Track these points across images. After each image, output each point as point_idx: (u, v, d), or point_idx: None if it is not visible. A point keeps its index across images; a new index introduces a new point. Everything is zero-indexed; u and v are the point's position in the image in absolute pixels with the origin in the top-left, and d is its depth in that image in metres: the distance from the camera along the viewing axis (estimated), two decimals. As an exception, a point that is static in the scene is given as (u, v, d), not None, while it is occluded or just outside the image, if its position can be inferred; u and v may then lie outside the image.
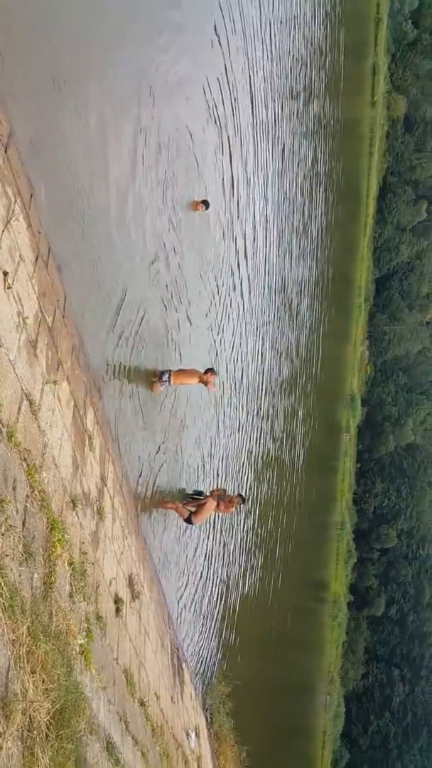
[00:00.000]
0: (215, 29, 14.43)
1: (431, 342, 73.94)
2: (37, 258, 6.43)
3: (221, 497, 12.16)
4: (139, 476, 10.51)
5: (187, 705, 12.68)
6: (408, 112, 63.53)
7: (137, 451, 10.38)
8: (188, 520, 11.83)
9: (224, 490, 12.80)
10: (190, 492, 12.98)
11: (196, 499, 12.86)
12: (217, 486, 14.25)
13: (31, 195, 6.52)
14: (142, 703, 8.63)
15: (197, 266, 13.91)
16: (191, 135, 12.89)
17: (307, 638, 35.93)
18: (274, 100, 20.98)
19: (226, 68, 15.32)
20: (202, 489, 13.45)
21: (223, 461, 16.58)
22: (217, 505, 12.19)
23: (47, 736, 4.73)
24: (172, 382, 11.05)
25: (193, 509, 11.97)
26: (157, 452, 11.35)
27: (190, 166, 13.08)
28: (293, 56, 23.79)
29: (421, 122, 64.95)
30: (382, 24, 52.80)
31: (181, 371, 11.35)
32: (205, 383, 11.68)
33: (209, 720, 14.95)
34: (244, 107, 17.10)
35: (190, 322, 13.37)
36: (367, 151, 51.81)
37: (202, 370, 11.82)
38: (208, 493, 12.95)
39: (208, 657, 15.06)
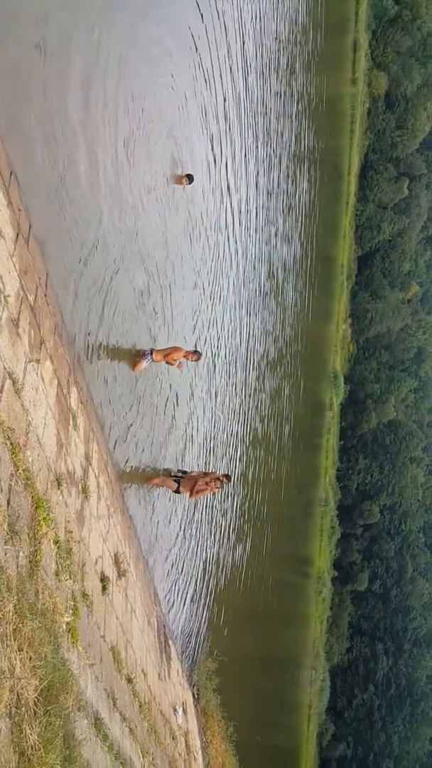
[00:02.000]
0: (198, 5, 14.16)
1: (412, 319, 74.27)
2: (17, 235, 6.32)
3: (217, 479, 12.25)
4: (124, 455, 10.49)
5: (174, 681, 12.83)
6: (389, 89, 63.00)
7: (122, 429, 10.35)
8: (177, 491, 11.91)
9: (228, 477, 12.80)
10: (176, 471, 13.01)
11: (182, 478, 12.91)
12: (210, 470, 14.28)
13: (11, 173, 6.39)
14: (129, 680, 8.70)
15: (180, 247, 13.78)
16: (180, 107, 12.70)
17: (292, 613, 36.45)
18: (256, 79, 20.71)
19: (207, 47, 15.06)
20: (187, 469, 13.48)
21: (208, 439, 16.61)
22: (205, 482, 12.29)
23: (35, 712, 4.75)
24: (154, 358, 10.99)
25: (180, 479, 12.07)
26: (141, 430, 11.33)
27: (175, 141, 12.91)
28: (274, 34, 23.46)
29: (402, 99, 64.46)
30: (363, 0, 52.11)
31: (162, 349, 11.29)
32: (185, 358, 11.63)
33: (196, 696, 15.14)
34: (224, 86, 16.86)
35: (174, 300, 13.29)
36: (348, 129, 51.40)
37: (185, 347, 11.78)
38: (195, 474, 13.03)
39: (195, 633, 15.21)
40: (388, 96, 63.94)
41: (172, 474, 12.79)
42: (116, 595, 8.67)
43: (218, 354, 17.73)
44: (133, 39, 10.55)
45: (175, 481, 11.95)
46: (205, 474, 12.45)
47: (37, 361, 6.41)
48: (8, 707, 4.38)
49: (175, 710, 12.19)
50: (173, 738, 11.56)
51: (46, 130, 7.59)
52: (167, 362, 11.62)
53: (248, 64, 19.76)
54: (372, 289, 67.19)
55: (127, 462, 10.63)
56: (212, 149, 16.13)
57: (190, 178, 13.27)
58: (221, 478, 13.13)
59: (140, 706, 9.15)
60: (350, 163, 53.68)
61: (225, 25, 16.62)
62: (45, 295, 7.03)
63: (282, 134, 25.33)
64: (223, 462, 18.09)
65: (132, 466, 10.90)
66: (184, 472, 13.02)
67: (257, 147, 21.30)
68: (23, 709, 4.57)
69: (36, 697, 4.74)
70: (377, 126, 63.39)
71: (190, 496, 13.00)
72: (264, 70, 21.97)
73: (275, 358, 25.85)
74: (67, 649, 5.99)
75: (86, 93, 8.74)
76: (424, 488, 73.69)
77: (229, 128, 17.62)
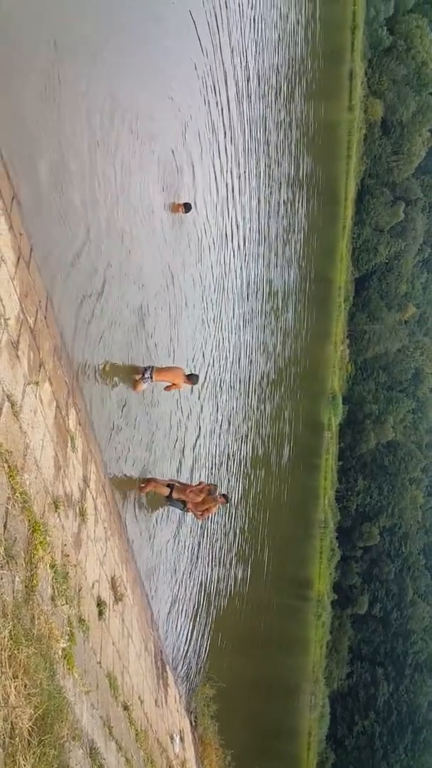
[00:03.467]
0: (198, 35, 14.44)
1: (410, 341, 74.55)
2: (18, 259, 6.36)
3: (211, 492, 12.15)
4: (123, 476, 10.43)
5: (172, 708, 12.61)
6: (385, 115, 64.04)
7: (120, 450, 10.31)
8: (169, 497, 11.76)
9: (215, 486, 12.72)
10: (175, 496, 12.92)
11: (178, 500, 12.83)
12: (207, 481, 14.16)
13: (13, 197, 6.45)
14: (125, 707, 8.56)
15: (181, 271, 13.88)
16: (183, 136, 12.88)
17: (291, 638, 35.99)
18: (256, 108, 21.05)
19: (207, 75, 15.33)
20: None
21: (209, 460, 16.55)
22: (201, 501, 12.25)
23: (29, 742, 4.65)
24: (154, 378, 10.97)
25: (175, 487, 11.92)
26: (140, 450, 11.28)
27: (175, 168, 13.06)
28: (274, 64, 23.93)
29: (398, 125, 65.49)
30: (359, 30, 53.22)
31: (164, 369, 11.28)
32: (180, 386, 11.73)
33: (194, 723, 14.87)
34: (223, 114, 17.11)
35: (174, 322, 13.34)
36: (345, 154, 52.18)
37: (185, 370, 11.79)
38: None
39: (193, 659, 14.99)
40: (384, 122, 64.96)
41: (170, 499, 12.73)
42: (113, 620, 8.56)
43: (218, 374, 17.75)
44: (133, 70, 10.73)
45: (168, 486, 11.80)
46: (208, 491, 12.36)
47: (36, 383, 6.40)
48: (2, 737, 4.30)
49: (172, 738, 11.97)
50: None
51: (51, 156, 7.69)
52: (166, 389, 11.69)
53: (249, 92, 20.11)
54: (369, 310, 67.55)
55: (125, 483, 10.57)
56: (213, 174, 16.32)
57: (187, 206, 13.35)
58: (219, 499, 13.09)
59: (137, 735, 8.98)
60: (347, 188, 54.36)
61: (223, 54, 16.92)
62: (45, 318, 7.05)
63: (281, 160, 25.66)
64: (224, 483, 18.01)
65: (130, 488, 10.84)
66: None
67: (257, 172, 21.56)
68: (17, 739, 4.48)
69: (30, 726, 4.65)
70: (374, 151, 64.30)
71: (198, 515, 12.90)
72: (264, 98, 22.34)
73: (275, 379, 25.88)
74: (63, 676, 5.89)
75: (90, 121, 8.86)
76: (424, 510, 73.30)
77: (229, 155, 17.85)
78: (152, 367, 10.94)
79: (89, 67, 8.95)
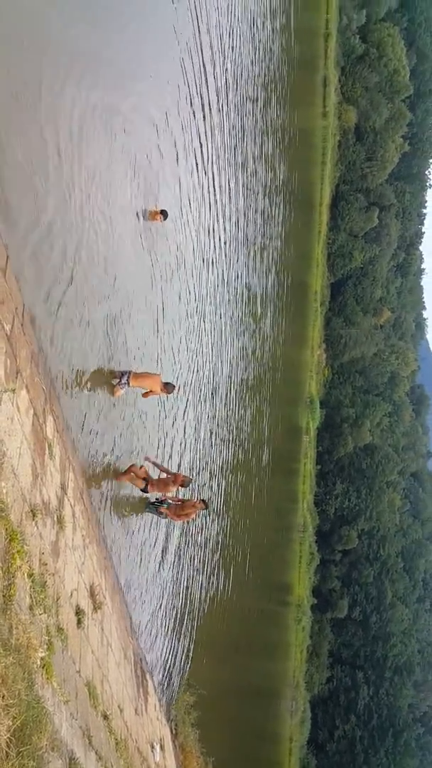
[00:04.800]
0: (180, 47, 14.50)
1: (385, 344, 75.43)
2: (-9, 264, 6.31)
3: (184, 484, 12.11)
4: (101, 482, 10.37)
5: (152, 716, 12.52)
6: (358, 122, 64.88)
7: (99, 456, 10.24)
8: (145, 489, 11.72)
9: (190, 479, 12.73)
10: (153, 500, 12.89)
11: (157, 505, 12.81)
12: (182, 473, 14.10)
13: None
14: (105, 716, 8.48)
15: (160, 278, 13.86)
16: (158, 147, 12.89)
17: (271, 643, 35.99)
18: (232, 114, 21.16)
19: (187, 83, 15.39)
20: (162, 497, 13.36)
21: (188, 465, 16.51)
22: (181, 507, 12.27)
23: (7, 754, 4.59)
24: (131, 384, 10.94)
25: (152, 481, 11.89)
26: (119, 456, 11.22)
27: (151, 175, 13.06)
28: (250, 70, 24.10)
29: (371, 132, 66.39)
30: (332, 39, 53.92)
31: (140, 374, 11.25)
32: (157, 393, 11.73)
33: (174, 731, 14.78)
34: (200, 123, 17.19)
35: (154, 328, 13.32)
36: (320, 160, 52.69)
37: (163, 377, 11.77)
38: (170, 502, 12.96)
39: (173, 666, 14.91)
40: (357, 129, 65.80)
41: (149, 505, 12.69)
42: (92, 628, 8.48)
43: (198, 380, 17.75)
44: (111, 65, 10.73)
45: (144, 480, 11.75)
46: (182, 482, 12.33)
47: (13, 390, 6.34)
48: (-20, 749, 4.23)
49: (152, 747, 11.88)
50: (151, 776, 11.24)
51: (24, 164, 7.64)
52: (143, 396, 11.69)
53: (227, 100, 20.24)
54: (345, 315, 68.19)
55: (104, 490, 10.50)
56: (190, 180, 16.36)
57: (164, 214, 13.32)
58: (197, 505, 13.10)
59: (116, 744, 8.90)
60: (322, 194, 54.89)
61: (204, 59, 17.02)
62: (21, 325, 6.99)
63: (257, 166, 25.82)
64: (205, 488, 18.00)
65: (109, 494, 10.77)
66: (162, 502, 12.90)
67: (233, 177, 21.66)
68: (-5, 750, 4.42)
69: (9, 737, 4.59)
70: (348, 158, 65.07)
71: (175, 518, 12.98)
72: (240, 105, 22.47)
73: (253, 384, 25.96)
74: (42, 686, 5.82)
75: (66, 126, 8.83)
76: (401, 512, 74.02)
77: (206, 161, 17.91)
78: (129, 372, 10.90)
79: (64, 69, 8.93)
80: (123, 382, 10.68)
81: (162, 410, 14.34)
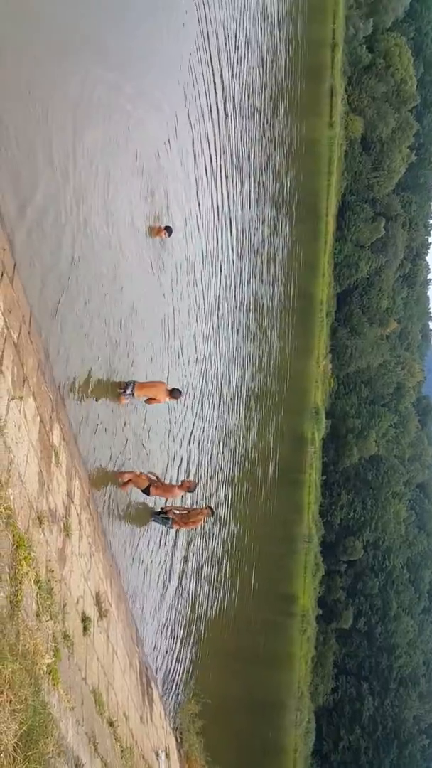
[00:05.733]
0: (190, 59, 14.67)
1: (391, 355, 75.29)
2: (2, 274, 6.41)
3: (190, 489, 12.05)
4: (108, 491, 10.42)
5: (157, 725, 12.51)
6: (365, 132, 65.12)
7: (105, 464, 10.30)
8: (146, 491, 11.64)
9: (196, 483, 12.65)
10: (158, 510, 12.92)
11: (163, 516, 12.83)
12: (187, 478, 14.06)
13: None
14: (110, 724, 8.50)
15: (167, 289, 13.97)
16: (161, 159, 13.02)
17: (276, 653, 35.81)
18: (241, 125, 21.35)
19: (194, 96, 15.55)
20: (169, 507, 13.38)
21: (195, 474, 16.54)
22: (187, 514, 12.28)
23: (14, 758, 4.63)
24: (136, 394, 11.00)
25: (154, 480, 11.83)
26: (127, 465, 11.27)
27: (160, 189, 13.20)
28: (258, 80, 24.33)
29: (378, 142, 66.62)
30: (338, 49, 54.25)
31: (145, 384, 11.30)
32: (161, 401, 11.73)
33: (179, 740, 14.74)
34: (209, 132, 17.35)
35: (159, 338, 13.40)
36: (326, 170, 52.89)
37: (167, 384, 11.82)
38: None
39: (178, 675, 14.89)
40: (364, 139, 66.02)
41: (154, 514, 12.71)
42: (98, 635, 8.52)
43: (205, 389, 17.80)
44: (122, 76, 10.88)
45: (148, 480, 11.73)
46: (187, 488, 12.32)
47: (20, 398, 6.43)
48: (-13, 753, 4.28)
49: (157, 755, 11.86)
50: (155, 785, 11.22)
51: (33, 173, 7.76)
52: (147, 402, 11.70)
53: (235, 110, 20.42)
54: (351, 325, 68.17)
55: (110, 498, 10.55)
56: (197, 192, 16.50)
57: (168, 229, 13.39)
58: (204, 512, 13.13)
59: (122, 751, 8.91)
60: (328, 204, 55.03)
61: (213, 68, 17.20)
62: (29, 333, 7.09)
63: (263, 177, 25.97)
64: (212, 498, 18.02)
65: (115, 502, 10.82)
66: (166, 513, 12.92)
67: (240, 187, 21.79)
68: (2, 755, 4.47)
69: (15, 742, 4.63)
70: (354, 168, 65.27)
71: (181, 526, 12.99)
72: (247, 117, 22.66)
73: (259, 394, 25.99)
74: (48, 692, 5.86)
75: (74, 140, 8.97)
76: (407, 523, 73.60)
77: (215, 173, 18.06)
78: (134, 383, 10.95)
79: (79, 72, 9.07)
80: (128, 393, 10.76)
81: (170, 418, 14.40)
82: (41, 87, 8.02)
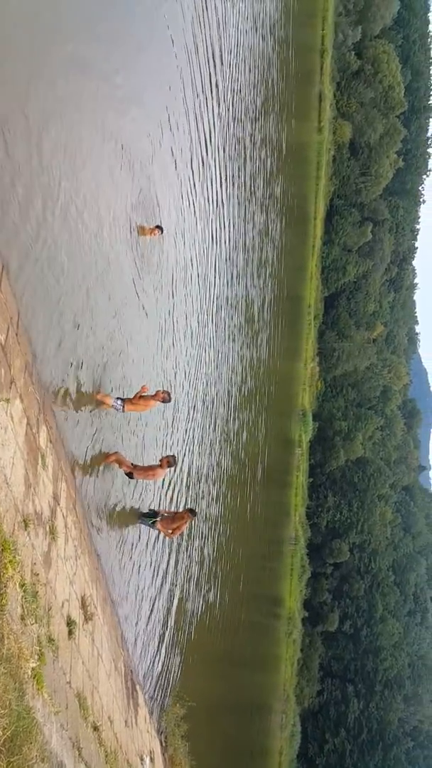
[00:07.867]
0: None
1: (378, 358, 75.84)
2: (-12, 275, 6.37)
3: (165, 400, 11.86)
4: (94, 493, 10.38)
5: (142, 728, 12.46)
6: (353, 137, 65.61)
7: (92, 468, 10.26)
8: (130, 475, 11.64)
9: (174, 457, 12.53)
10: (145, 511, 12.90)
11: (151, 517, 12.81)
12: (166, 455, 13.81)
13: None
14: (95, 728, 8.45)
15: (155, 291, 13.95)
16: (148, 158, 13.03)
17: (262, 656, 35.83)
18: (229, 129, 21.40)
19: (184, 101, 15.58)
20: (156, 509, 13.37)
21: (183, 477, 16.53)
22: (171, 520, 12.25)
23: (-2, 764, 4.60)
24: (125, 410, 11.04)
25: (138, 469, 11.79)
26: (114, 468, 11.24)
27: (149, 190, 13.20)
28: (248, 85, 24.41)
29: (366, 147, 67.15)
30: (327, 54, 54.65)
31: (135, 401, 11.25)
32: (157, 401, 11.68)
33: (164, 744, 14.69)
34: (200, 135, 17.38)
35: (146, 340, 13.39)
36: (314, 175, 53.20)
37: (155, 401, 11.72)
38: (161, 512, 13.00)
39: (163, 678, 14.85)
40: (352, 144, 66.52)
41: (142, 516, 12.69)
42: (83, 639, 8.47)
43: (194, 392, 17.80)
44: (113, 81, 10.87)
45: (130, 466, 11.69)
46: (167, 463, 12.23)
47: (7, 400, 6.39)
48: (-30, 759, 4.24)
49: (142, 759, 11.81)
50: (140, 789, 11.17)
51: (23, 176, 7.73)
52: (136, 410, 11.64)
53: (226, 113, 20.46)
54: (338, 328, 68.59)
55: (96, 500, 10.51)
56: (186, 195, 16.51)
57: (160, 229, 13.39)
58: (186, 515, 13.12)
59: (106, 756, 8.86)
60: (316, 208, 55.37)
61: (202, 73, 17.23)
62: (16, 335, 7.05)
63: (254, 180, 26.06)
64: (199, 501, 18.00)
65: (102, 505, 10.78)
66: (154, 513, 12.91)
67: (230, 192, 21.84)
68: (-14, 760, 4.43)
69: (-1, 747, 4.60)
70: (342, 172, 65.73)
71: (167, 534, 12.99)
72: (237, 121, 22.71)
73: (247, 396, 26.02)
74: (32, 696, 5.82)
75: (64, 148, 8.94)
76: (393, 526, 74.05)
77: (203, 176, 18.08)
78: (124, 400, 10.95)
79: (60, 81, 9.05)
80: (118, 407, 10.77)
81: (156, 422, 14.37)
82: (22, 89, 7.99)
